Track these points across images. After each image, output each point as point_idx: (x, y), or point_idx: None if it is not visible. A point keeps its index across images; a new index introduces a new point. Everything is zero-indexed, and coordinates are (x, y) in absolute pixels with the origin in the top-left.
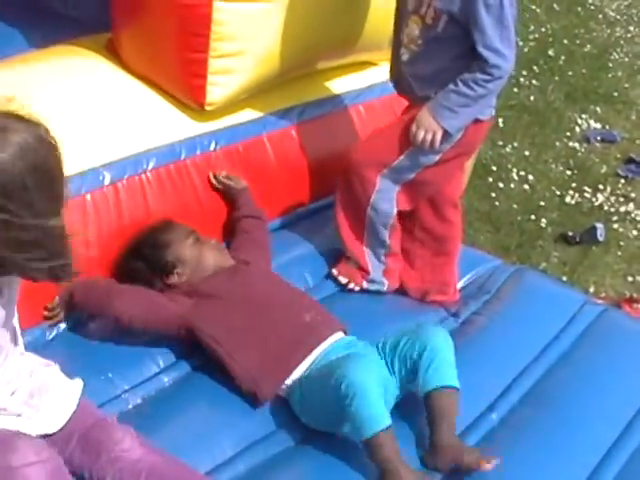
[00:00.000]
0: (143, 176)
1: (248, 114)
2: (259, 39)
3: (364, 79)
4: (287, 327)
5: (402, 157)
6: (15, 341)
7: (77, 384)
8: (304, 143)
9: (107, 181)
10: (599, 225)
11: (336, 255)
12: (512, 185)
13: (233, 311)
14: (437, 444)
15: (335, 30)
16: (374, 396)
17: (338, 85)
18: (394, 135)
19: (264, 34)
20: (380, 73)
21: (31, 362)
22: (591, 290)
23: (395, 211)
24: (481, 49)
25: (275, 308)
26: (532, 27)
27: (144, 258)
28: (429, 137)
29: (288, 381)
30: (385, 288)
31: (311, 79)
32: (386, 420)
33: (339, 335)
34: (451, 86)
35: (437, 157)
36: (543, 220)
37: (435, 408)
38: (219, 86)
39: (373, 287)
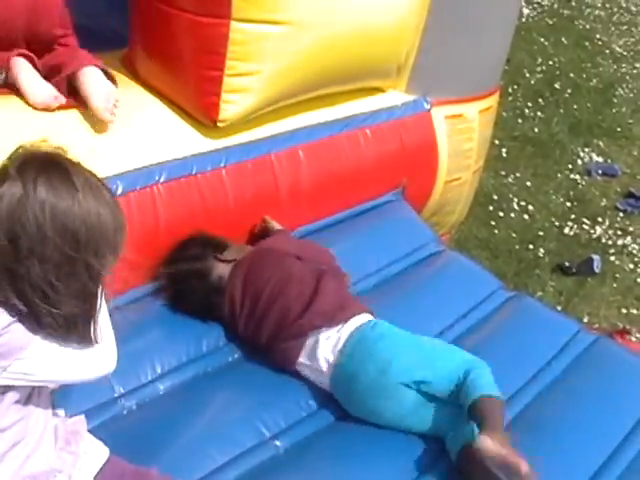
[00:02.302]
0: (155, 188)
1: (258, 132)
2: (274, 60)
3: (372, 104)
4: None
5: None
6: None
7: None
8: (311, 162)
9: (119, 191)
10: (595, 257)
11: None
12: (512, 214)
13: None
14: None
15: (347, 57)
16: None
17: (347, 108)
18: None
19: (279, 56)
20: (387, 99)
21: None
22: (585, 320)
23: None
24: None
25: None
26: (540, 59)
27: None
28: None
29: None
30: None
31: (321, 101)
32: None
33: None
34: None
35: None
36: (541, 250)
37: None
38: (232, 104)
39: None
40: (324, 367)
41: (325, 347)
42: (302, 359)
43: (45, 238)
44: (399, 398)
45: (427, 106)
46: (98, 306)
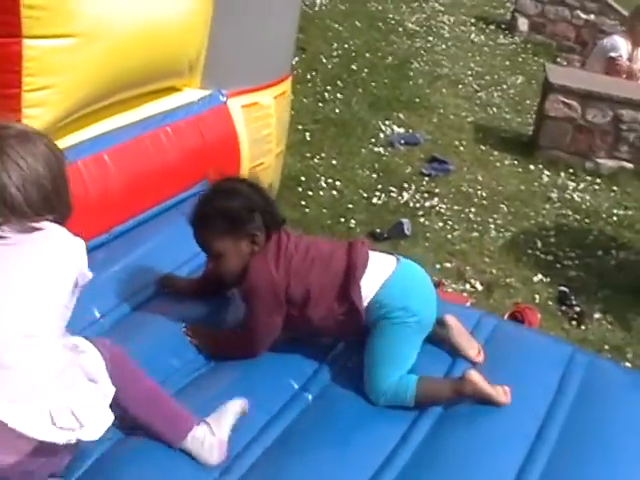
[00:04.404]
0: None
1: (63, 142)
2: (68, 72)
3: (170, 103)
4: None
5: None
6: None
7: None
8: (117, 166)
9: None
10: (405, 220)
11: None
12: (321, 192)
13: None
14: None
15: (137, 61)
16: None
17: (147, 110)
18: None
19: (72, 67)
20: (184, 97)
21: None
22: None
23: None
24: None
25: None
26: (335, 45)
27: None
28: None
29: None
30: None
31: (121, 105)
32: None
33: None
34: None
35: None
36: (352, 221)
37: None
38: (34, 118)
39: None
40: None
41: None
42: None
43: None
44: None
45: (223, 99)
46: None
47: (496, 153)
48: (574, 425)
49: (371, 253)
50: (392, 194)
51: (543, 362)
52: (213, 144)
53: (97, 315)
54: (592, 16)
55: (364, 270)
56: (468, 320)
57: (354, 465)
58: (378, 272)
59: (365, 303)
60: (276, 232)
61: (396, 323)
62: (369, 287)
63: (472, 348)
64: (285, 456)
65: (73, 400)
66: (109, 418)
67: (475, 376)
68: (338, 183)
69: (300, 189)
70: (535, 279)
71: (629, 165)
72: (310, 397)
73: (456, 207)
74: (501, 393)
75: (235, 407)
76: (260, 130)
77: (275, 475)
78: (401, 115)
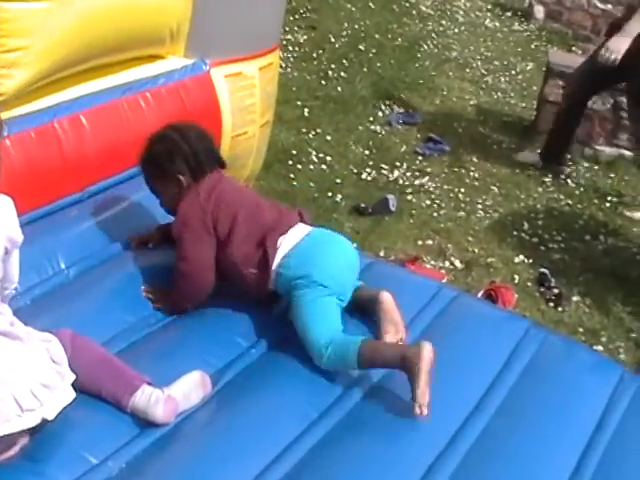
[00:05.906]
0: None
1: (42, 103)
2: (42, 35)
3: (153, 70)
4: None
5: None
6: None
7: None
8: (94, 127)
9: None
10: (390, 196)
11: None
12: (311, 166)
13: None
14: None
15: (113, 27)
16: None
17: (129, 75)
18: None
19: (46, 30)
20: (167, 64)
21: None
22: (381, 254)
23: None
24: None
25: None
26: (346, 24)
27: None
28: None
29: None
30: None
31: (103, 70)
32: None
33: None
34: None
35: None
36: (339, 195)
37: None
38: (9, 78)
39: None
40: None
41: None
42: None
43: None
44: None
45: (206, 67)
46: None
47: (495, 136)
48: (515, 398)
49: (300, 224)
50: (383, 171)
51: (495, 335)
52: (194, 111)
53: (62, 266)
54: (609, 6)
55: (286, 229)
56: (426, 290)
57: (286, 416)
58: (291, 240)
59: (273, 267)
60: (215, 174)
61: (300, 289)
62: (280, 251)
63: (391, 332)
64: (222, 406)
65: (33, 380)
66: (70, 396)
67: (428, 348)
68: (329, 158)
69: (290, 162)
70: (517, 260)
71: (628, 153)
72: (256, 355)
73: (446, 186)
74: (425, 398)
75: (193, 377)
76: (243, 100)
77: (207, 422)
78: (403, 95)
